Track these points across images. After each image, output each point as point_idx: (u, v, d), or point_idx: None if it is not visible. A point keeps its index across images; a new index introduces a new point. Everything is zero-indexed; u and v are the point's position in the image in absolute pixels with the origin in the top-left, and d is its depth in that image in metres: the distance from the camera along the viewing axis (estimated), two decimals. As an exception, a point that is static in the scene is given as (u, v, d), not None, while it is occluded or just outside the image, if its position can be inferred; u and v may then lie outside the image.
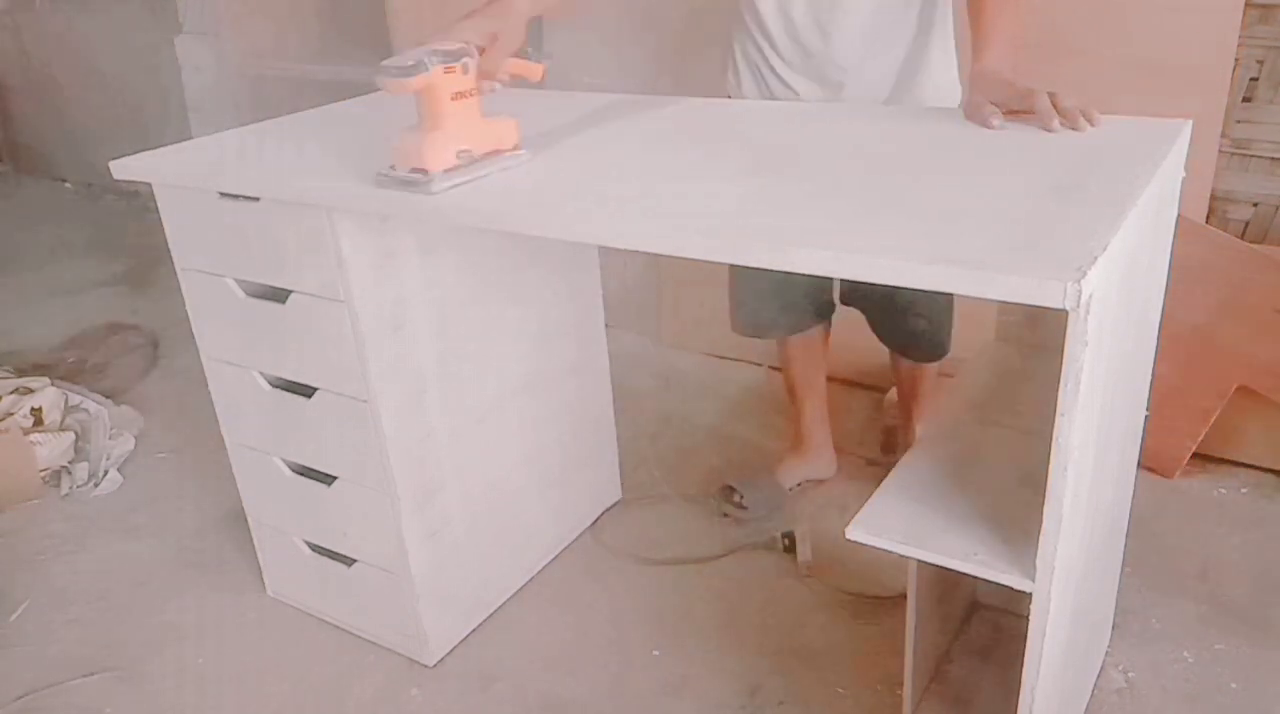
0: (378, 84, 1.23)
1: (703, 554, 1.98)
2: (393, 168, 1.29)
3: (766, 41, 1.73)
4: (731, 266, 1.89)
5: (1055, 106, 1.30)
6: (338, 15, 3.25)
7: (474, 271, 1.66)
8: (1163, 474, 2.09)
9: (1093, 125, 1.30)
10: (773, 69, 1.74)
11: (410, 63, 1.21)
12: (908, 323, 1.93)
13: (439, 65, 1.23)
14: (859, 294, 1.96)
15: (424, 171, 1.26)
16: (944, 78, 1.73)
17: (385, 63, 1.22)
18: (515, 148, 1.36)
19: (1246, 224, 2.16)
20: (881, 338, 2.01)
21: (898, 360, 2.06)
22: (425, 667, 1.74)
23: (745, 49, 1.78)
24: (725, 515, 2.08)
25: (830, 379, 2.57)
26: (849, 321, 2.02)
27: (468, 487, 1.73)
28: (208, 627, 1.87)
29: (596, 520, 2.10)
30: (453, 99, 1.26)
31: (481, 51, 1.29)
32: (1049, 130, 1.29)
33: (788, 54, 1.72)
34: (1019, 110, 1.34)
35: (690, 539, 2.03)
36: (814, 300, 2.01)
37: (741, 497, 2.07)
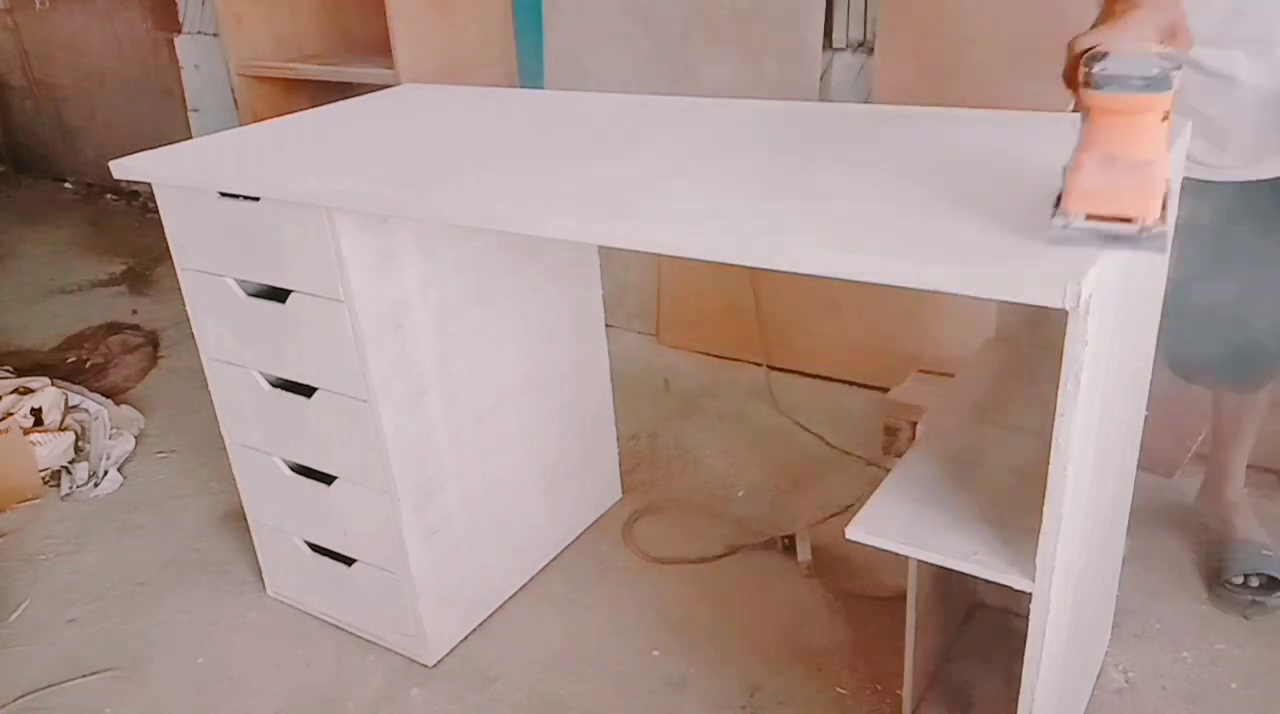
0: (1093, 96, 0.91)
1: (703, 554, 1.98)
2: (1070, 215, 0.94)
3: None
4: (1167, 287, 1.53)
5: None
6: (338, 15, 3.25)
7: (474, 271, 1.66)
8: (1163, 474, 2.09)
9: None
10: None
11: (1156, 72, 0.88)
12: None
13: (1177, 78, 0.90)
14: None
15: (1130, 220, 0.92)
16: None
17: (1114, 68, 0.89)
18: None
19: (1246, 224, 2.16)
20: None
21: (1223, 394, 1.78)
22: (425, 667, 1.74)
23: None
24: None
25: (830, 379, 2.59)
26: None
27: (468, 487, 1.73)
28: (208, 627, 1.87)
29: (596, 520, 2.10)
30: (1161, 120, 0.92)
31: None
32: None
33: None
34: None
35: (690, 539, 2.03)
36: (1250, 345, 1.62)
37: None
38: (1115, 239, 0.93)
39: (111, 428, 2.46)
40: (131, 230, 4.07)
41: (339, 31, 3.21)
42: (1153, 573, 1.84)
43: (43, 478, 2.32)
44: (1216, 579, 1.78)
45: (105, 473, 2.34)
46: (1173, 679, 1.62)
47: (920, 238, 1.00)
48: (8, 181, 4.88)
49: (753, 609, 1.83)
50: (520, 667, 1.73)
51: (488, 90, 1.95)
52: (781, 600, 1.85)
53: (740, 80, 2.51)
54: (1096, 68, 0.90)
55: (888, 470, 1.29)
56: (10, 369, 2.71)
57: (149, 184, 1.58)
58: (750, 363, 2.69)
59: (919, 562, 1.30)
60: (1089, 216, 0.93)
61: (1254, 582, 1.74)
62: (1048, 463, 0.99)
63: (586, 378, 1.99)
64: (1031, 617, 1.08)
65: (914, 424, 2.13)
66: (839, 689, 1.64)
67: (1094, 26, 1.02)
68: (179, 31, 3.81)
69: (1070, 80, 0.99)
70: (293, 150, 1.58)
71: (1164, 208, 0.93)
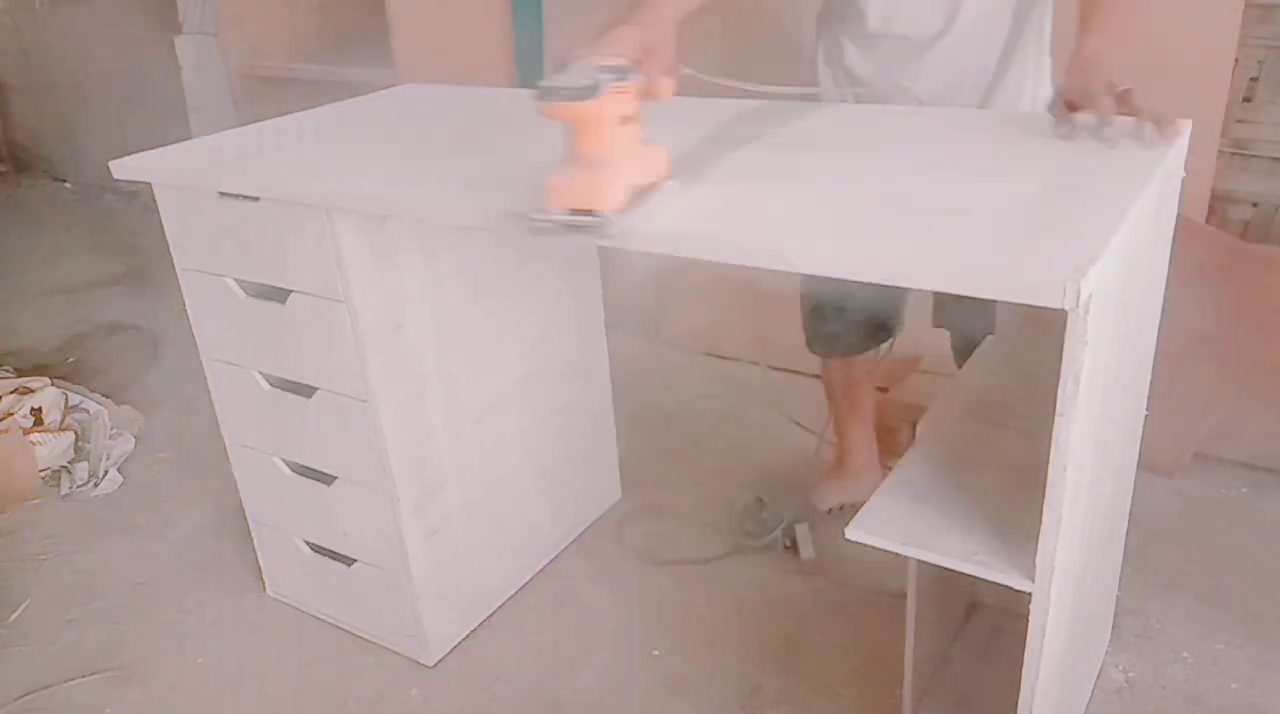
0: (536, 107, 1.01)
1: (703, 554, 1.98)
2: (547, 210, 1.06)
3: (850, 36, 1.62)
4: (802, 282, 1.85)
5: (1130, 106, 1.15)
6: (337, 15, 3.26)
7: (474, 271, 1.66)
8: (1163, 474, 2.09)
9: (1160, 139, 1.17)
10: (849, 66, 1.64)
11: (585, 83, 1.00)
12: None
13: (611, 86, 1.02)
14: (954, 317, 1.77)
15: (591, 212, 1.04)
16: (1036, 90, 1.59)
17: (548, 82, 1.00)
18: (665, 177, 1.18)
19: (1246, 224, 2.16)
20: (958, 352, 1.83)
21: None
22: (425, 667, 1.74)
23: (828, 39, 1.68)
24: (745, 530, 2.01)
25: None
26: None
27: (468, 487, 1.73)
28: (208, 627, 1.87)
29: (596, 520, 2.10)
30: (619, 124, 1.06)
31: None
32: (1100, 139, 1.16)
33: (863, 50, 1.60)
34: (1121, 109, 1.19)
35: (690, 539, 2.03)
36: (871, 320, 1.85)
37: (766, 516, 2.00)
38: (577, 229, 1.05)
39: (111, 428, 2.46)
40: (131, 230, 4.07)
41: (339, 31, 3.22)
42: (1152, 573, 1.84)
43: (43, 478, 2.32)
44: (752, 514, 2.02)
45: (105, 473, 2.34)
46: (1173, 679, 1.62)
47: (920, 238, 1.00)
48: (8, 181, 4.88)
49: (753, 609, 1.83)
50: (520, 667, 1.73)
51: (488, 90, 1.95)
52: (781, 600, 1.85)
53: (739, 80, 2.51)
54: (540, 82, 1.01)
55: (888, 470, 1.29)
56: (10, 369, 2.71)
57: (149, 184, 1.58)
58: (750, 363, 2.69)
59: (919, 562, 1.29)
60: (569, 210, 1.05)
61: (785, 541, 1.96)
62: (1048, 463, 0.99)
63: (586, 378, 1.99)
64: (1031, 617, 1.08)
65: (914, 424, 2.13)
66: (839, 689, 1.64)
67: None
68: (179, 32, 3.81)
69: None
70: (293, 150, 1.58)
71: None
